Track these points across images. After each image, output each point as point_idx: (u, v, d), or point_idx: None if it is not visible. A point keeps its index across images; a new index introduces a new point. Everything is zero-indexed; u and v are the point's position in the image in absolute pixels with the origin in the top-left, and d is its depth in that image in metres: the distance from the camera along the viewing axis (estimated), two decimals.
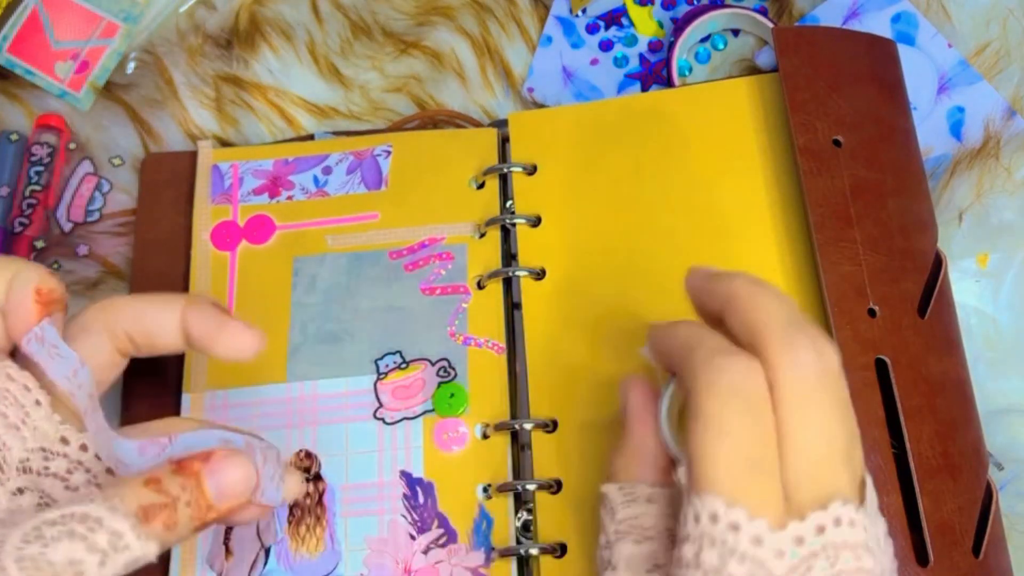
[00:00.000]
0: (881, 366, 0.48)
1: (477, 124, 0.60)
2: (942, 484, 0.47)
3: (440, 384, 0.52)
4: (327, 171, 0.58)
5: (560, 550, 0.48)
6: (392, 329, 0.54)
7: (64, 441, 0.41)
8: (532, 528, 0.49)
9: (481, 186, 0.56)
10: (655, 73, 0.61)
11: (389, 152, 0.58)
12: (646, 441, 0.42)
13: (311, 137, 0.61)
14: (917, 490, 0.46)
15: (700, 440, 0.36)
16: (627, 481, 0.41)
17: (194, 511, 0.38)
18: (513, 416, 0.51)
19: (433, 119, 0.61)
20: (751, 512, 0.35)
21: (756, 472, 0.35)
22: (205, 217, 0.57)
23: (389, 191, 0.57)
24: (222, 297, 0.55)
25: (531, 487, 0.49)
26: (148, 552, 0.36)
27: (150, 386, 0.55)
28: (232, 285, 0.56)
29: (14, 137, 0.62)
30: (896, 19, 0.59)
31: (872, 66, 0.55)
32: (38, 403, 0.41)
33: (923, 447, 0.47)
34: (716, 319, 0.40)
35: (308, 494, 0.51)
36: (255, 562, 0.50)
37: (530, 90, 0.61)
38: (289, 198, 0.57)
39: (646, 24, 0.62)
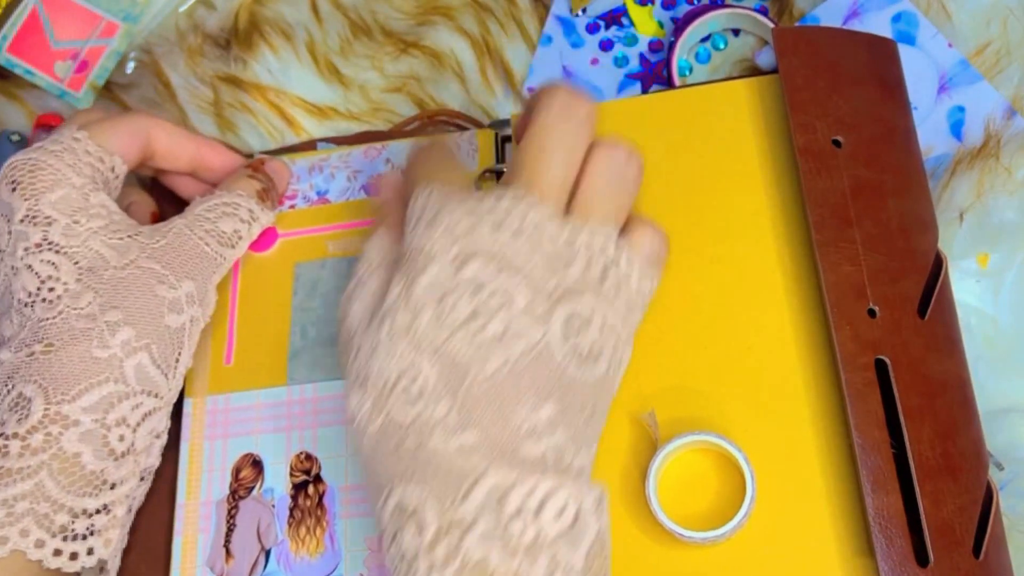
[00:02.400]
0: (881, 366, 0.48)
1: (478, 124, 0.60)
2: (942, 484, 0.47)
3: None
4: (328, 178, 0.58)
5: None
6: None
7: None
8: None
9: (479, 188, 0.56)
10: (655, 73, 0.61)
11: (389, 160, 0.58)
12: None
13: (313, 145, 0.61)
14: (917, 491, 0.46)
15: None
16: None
17: (275, 191, 0.56)
18: None
19: (433, 120, 0.61)
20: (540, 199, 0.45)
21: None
22: None
23: None
24: (224, 303, 0.55)
25: None
26: (270, 219, 0.55)
27: None
28: (234, 291, 0.56)
29: (15, 138, 0.62)
30: (896, 19, 0.59)
31: (872, 66, 0.54)
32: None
33: (923, 447, 0.47)
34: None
35: (308, 496, 0.51)
36: (255, 564, 0.50)
37: (530, 90, 0.61)
38: (291, 207, 0.57)
39: (646, 24, 0.62)
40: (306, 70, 0.63)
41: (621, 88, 0.61)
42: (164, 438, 0.50)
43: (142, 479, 0.50)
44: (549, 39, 0.62)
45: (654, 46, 0.61)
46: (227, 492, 0.52)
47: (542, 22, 0.63)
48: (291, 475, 0.52)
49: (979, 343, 0.54)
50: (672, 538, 0.47)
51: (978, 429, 0.49)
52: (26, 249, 0.49)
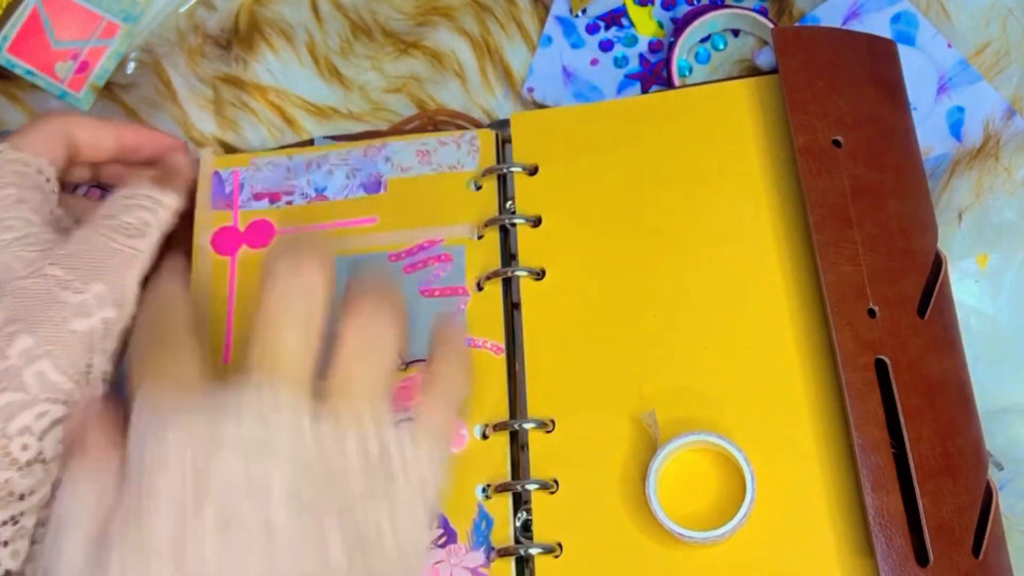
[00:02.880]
0: (881, 366, 0.48)
1: (478, 124, 0.60)
2: (942, 484, 0.47)
3: None
4: (327, 175, 0.58)
5: (559, 549, 0.49)
6: None
7: None
8: (532, 528, 0.49)
9: (479, 188, 0.56)
10: (655, 74, 0.61)
11: (389, 158, 0.58)
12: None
13: (311, 142, 0.61)
14: (917, 490, 0.46)
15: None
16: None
17: (175, 175, 0.56)
18: (512, 416, 0.52)
19: (434, 119, 0.61)
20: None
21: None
22: (206, 223, 0.57)
23: (388, 194, 0.57)
24: (222, 301, 0.55)
25: (531, 487, 0.49)
26: (174, 203, 0.53)
27: None
28: (232, 289, 0.56)
29: None
30: (896, 19, 0.59)
31: (872, 66, 0.55)
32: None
33: (923, 447, 0.47)
34: None
35: None
36: None
37: (530, 90, 0.61)
38: (289, 203, 0.57)
39: (646, 24, 0.62)
40: (306, 70, 0.63)
41: (621, 88, 0.61)
42: None
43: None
44: (549, 39, 0.62)
45: (654, 46, 0.61)
46: None
47: (542, 22, 0.63)
48: None
49: (978, 343, 0.54)
50: (672, 538, 0.47)
51: (977, 429, 0.49)
52: None
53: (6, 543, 0.45)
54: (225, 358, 0.54)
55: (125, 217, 0.51)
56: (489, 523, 0.50)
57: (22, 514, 0.46)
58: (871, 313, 0.49)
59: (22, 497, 0.46)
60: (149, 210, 0.52)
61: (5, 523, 0.45)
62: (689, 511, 0.47)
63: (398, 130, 0.60)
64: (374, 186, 0.57)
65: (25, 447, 0.46)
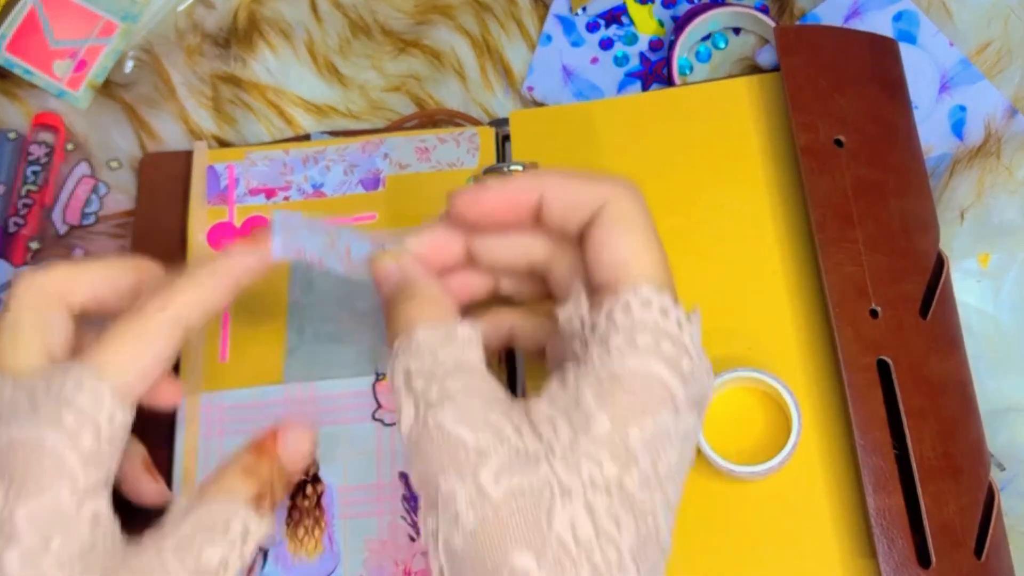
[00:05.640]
0: (883, 367, 0.48)
1: (477, 123, 0.60)
2: (944, 485, 0.47)
3: None
4: (324, 171, 0.58)
5: None
6: None
7: None
8: None
9: None
10: (655, 72, 0.60)
11: (387, 155, 0.57)
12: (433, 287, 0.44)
13: (307, 137, 0.60)
14: (919, 491, 0.46)
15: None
16: (435, 321, 0.41)
17: (282, 484, 0.44)
18: None
19: (432, 118, 0.61)
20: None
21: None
22: (201, 218, 0.57)
23: (387, 191, 0.56)
24: None
25: None
26: (269, 528, 0.43)
27: None
28: None
29: (12, 135, 0.62)
30: (897, 18, 0.59)
31: (873, 65, 0.54)
32: None
33: (924, 448, 0.47)
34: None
35: (307, 496, 0.51)
36: (253, 565, 0.50)
37: (530, 89, 0.61)
38: (286, 199, 0.57)
39: (646, 23, 0.62)
40: (305, 69, 0.63)
41: (621, 87, 0.60)
42: None
43: None
44: (549, 38, 0.62)
45: (654, 45, 0.61)
46: None
47: (542, 21, 0.62)
48: None
49: (980, 343, 0.54)
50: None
51: (979, 429, 0.49)
52: None
53: None
54: (222, 355, 0.54)
55: (207, 552, 0.40)
56: None
57: None
58: (873, 313, 0.49)
59: None
60: (236, 546, 0.41)
61: None
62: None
63: (396, 127, 0.60)
64: (372, 183, 0.57)
65: None
